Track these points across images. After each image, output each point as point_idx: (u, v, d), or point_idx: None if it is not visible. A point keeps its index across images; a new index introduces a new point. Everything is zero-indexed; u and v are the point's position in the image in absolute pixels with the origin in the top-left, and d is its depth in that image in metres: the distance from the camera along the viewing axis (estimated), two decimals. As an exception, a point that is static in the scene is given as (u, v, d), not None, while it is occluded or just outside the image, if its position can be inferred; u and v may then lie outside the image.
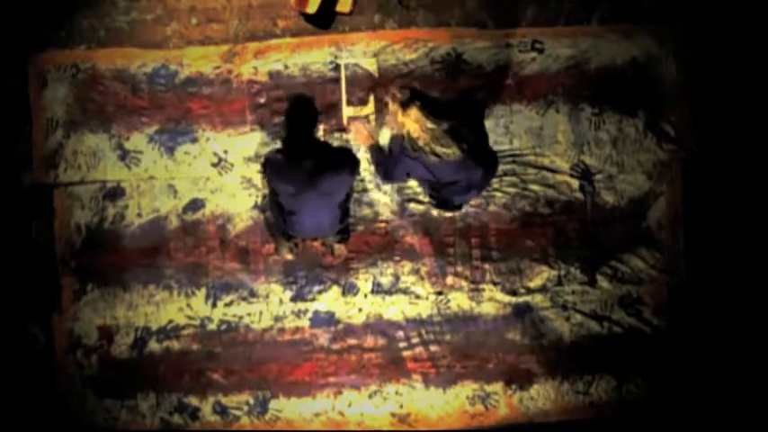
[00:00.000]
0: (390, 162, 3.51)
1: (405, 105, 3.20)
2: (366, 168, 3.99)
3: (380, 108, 3.97)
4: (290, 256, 3.94)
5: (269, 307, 4.02)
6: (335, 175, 3.44)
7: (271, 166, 3.50)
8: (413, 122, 3.17)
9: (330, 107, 4.00)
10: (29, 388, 3.98)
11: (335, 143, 3.97)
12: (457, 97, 3.95)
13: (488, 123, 3.97)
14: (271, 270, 4.01)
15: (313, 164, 3.38)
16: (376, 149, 3.74)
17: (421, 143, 3.21)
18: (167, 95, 4.01)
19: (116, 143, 4.00)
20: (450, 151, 3.20)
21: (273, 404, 4.02)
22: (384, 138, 3.90)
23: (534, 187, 4.02)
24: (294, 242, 3.85)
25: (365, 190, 4.01)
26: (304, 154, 3.43)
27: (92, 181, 4.01)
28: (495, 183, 3.98)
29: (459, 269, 4.02)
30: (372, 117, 3.97)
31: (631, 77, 4.02)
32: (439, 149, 3.19)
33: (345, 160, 3.55)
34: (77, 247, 4.00)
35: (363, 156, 3.89)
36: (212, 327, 4.01)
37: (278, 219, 3.70)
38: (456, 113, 3.33)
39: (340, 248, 3.90)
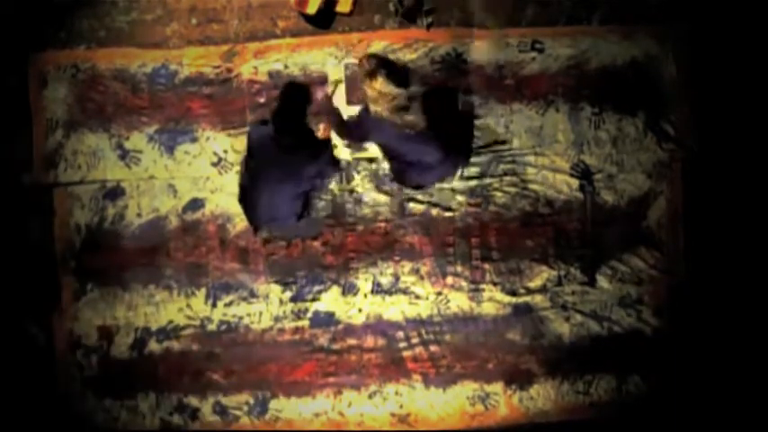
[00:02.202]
0: (356, 121, 3.55)
1: (371, 74, 3.17)
2: (366, 167, 3.99)
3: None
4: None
5: (269, 307, 4.02)
6: (307, 159, 3.46)
7: (250, 135, 3.56)
8: (378, 91, 3.15)
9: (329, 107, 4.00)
10: (29, 388, 3.97)
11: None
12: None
13: (488, 123, 3.97)
14: (271, 270, 4.01)
15: (291, 141, 3.41)
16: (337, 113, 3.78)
17: (385, 114, 3.21)
18: (167, 95, 4.01)
19: (116, 143, 4.00)
20: (413, 120, 3.19)
21: (273, 404, 4.01)
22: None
23: (534, 187, 4.02)
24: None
25: (365, 190, 4.01)
26: (287, 132, 3.46)
27: (92, 181, 4.01)
28: (494, 183, 3.98)
29: (459, 269, 4.02)
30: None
31: (631, 77, 4.02)
32: (402, 119, 3.20)
33: (324, 151, 3.59)
34: (77, 247, 4.00)
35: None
36: (212, 327, 4.01)
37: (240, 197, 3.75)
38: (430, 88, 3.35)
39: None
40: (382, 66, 3.23)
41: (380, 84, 3.15)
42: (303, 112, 3.85)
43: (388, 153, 3.63)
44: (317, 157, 3.54)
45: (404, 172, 3.66)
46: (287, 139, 3.45)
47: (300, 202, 3.63)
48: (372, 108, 3.29)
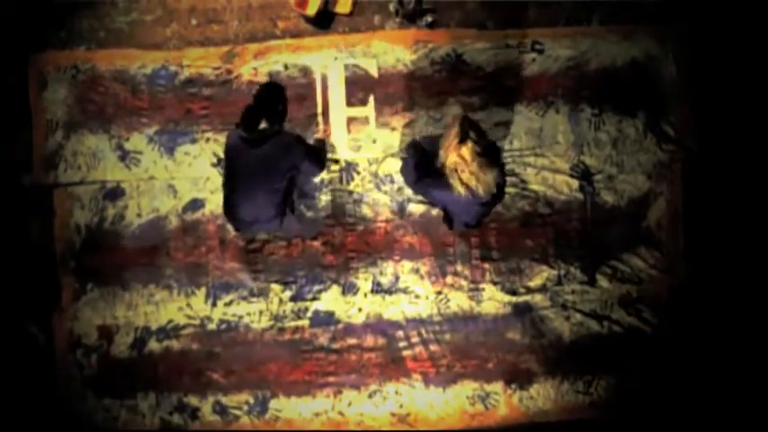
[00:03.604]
0: (418, 174, 3.49)
1: (462, 140, 3.07)
2: (366, 168, 4.00)
3: (380, 109, 3.99)
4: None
5: (269, 307, 4.02)
6: (280, 155, 3.45)
7: (226, 141, 3.55)
8: (462, 158, 3.07)
9: (329, 108, 4.00)
10: (29, 388, 3.98)
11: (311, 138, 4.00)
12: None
13: (489, 124, 3.97)
14: (270, 270, 4.02)
15: (257, 136, 3.44)
16: (413, 149, 3.70)
17: (455, 176, 3.12)
18: (167, 96, 4.02)
19: (116, 144, 4.01)
20: (484, 190, 3.13)
21: (273, 404, 4.02)
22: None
23: (534, 187, 4.02)
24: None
25: (365, 190, 4.01)
26: (262, 139, 3.45)
27: (92, 181, 4.02)
28: (494, 183, 3.99)
29: (459, 269, 4.02)
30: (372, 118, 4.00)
31: (631, 78, 4.03)
32: (474, 183, 3.11)
33: (296, 146, 3.55)
34: (77, 247, 4.01)
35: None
36: (212, 326, 4.02)
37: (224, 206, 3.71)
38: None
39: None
40: (473, 132, 3.13)
41: (467, 152, 3.05)
42: (275, 110, 3.88)
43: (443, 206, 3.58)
44: (288, 151, 3.51)
45: (451, 217, 3.60)
46: (254, 133, 3.46)
47: (281, 200, 3.53)
48: (452, 169, 3.13)
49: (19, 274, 3.99)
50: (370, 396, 4.03)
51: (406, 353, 4.02)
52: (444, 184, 3.18)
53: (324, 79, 4.01)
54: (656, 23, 4.02)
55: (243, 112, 3.68)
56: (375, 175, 4.01)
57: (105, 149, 4.01)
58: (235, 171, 3.48)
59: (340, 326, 4.03)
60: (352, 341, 4.03)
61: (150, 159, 4.01)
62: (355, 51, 4.00)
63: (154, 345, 4.01)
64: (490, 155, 3.16)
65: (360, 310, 4.03)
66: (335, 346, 4.03)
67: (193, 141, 4.01)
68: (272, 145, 3.45)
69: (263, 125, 3.60)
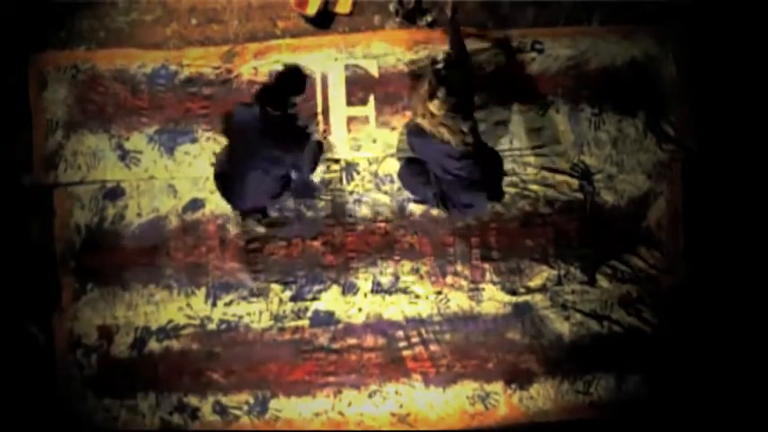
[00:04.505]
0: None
1: (432, 94, 3.24)
2: (366, 168, 4.00)
3: (380, 108, 3.99)
4: (261, 230, 3.95)
5: (269, 306, 4.02)
6: (290, 142, 3.44)
7: (233, 118, 3.51)
8: (432, 110, 3.25)
9: (329, 108, 4.00)
10: (29, 388, 3.98)
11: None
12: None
13: (489, 124, 3.97)
14: (270, 270, 4.02)
15: (276, 117, 3.42)
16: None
17: (426, 125, 3.32)
18: (167, 96, 4.02)
19: (116, 143, 4.01)
20: (456, 139, 3.28)
21: (273, 404, 4.02)
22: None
23: (534, 187, 4.02)
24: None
25: (365, 190, 4.01)
26: (272, 121, 3.44)
27: (92, 181, 4.02)
28: (494, 182, 3.99)
29: (459, 269, 4.02)
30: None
31: (631, 78, 4.02)
32: (446, 136, 3.28)
33: (306, 139, 3.52)
34: (77, 247, 4.01)
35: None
36: (212, 326, 4.01)
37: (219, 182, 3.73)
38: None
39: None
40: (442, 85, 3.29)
41: (437, 104, 3.25)
42: (294, 93, 3.89)
43: (432, 170, 3.61)
44: (299, 142, 3.49)
45: (453, 195, 3.60)
46: (273, 113, 3.41)
47: (281, 184, 3.61)
48: (423, 121, 3.37)
49: (19, 274, 3.99)
50: (370, 396, 4.03)
51: (406, 353, 4.02)
52: (425, 134, 3.36)
53: (324, 79, 4.01)
54: (656, 23, 4.02)
55: (262, 90, 3.66)
56: (375, 174, 4.01)
57: (105, 149, 4.01)
58: (241, 154, 3.45)
59: (340, 326, 4.03)
60: (352, 341, 4.03)
61: (150, 159, 4.01)
62: (355, 51, 4.00)
63: (154, 345, 4.01)
64: (461, 109, 3.31)
65: (360, 310, 4.03)
66: (335, 346, 4.03)
67: (193, 141, 4.01)
68: (285, 132, 3.43)
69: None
